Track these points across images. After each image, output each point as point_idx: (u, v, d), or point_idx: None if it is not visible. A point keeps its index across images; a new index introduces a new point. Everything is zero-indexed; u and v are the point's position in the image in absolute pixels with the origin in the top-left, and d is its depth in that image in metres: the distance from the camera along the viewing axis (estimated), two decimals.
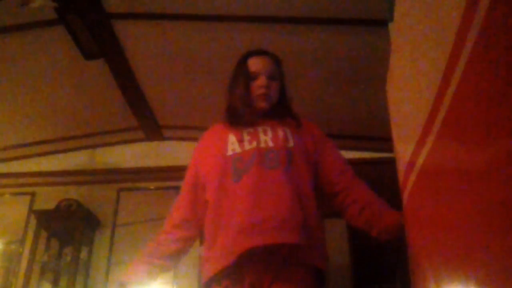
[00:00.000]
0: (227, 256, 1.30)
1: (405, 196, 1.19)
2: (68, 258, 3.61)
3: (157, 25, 2.75)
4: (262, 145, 1.42)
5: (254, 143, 1.43)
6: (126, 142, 4.08)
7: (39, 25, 2.68)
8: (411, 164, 1.06)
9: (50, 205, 3.76)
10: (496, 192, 0.58)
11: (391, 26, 1.22)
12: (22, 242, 3.75)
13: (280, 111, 1.56)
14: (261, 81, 1.51)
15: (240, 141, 1.45)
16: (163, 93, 3.48)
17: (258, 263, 1.30)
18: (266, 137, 1.44)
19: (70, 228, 3.66)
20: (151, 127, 3.92)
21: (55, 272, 3.60)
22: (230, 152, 1.43)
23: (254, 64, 1.55)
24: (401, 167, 1.22)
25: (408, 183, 1.13)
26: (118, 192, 3.88)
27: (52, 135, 3.88)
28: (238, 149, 1.43)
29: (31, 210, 3.87)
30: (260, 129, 1.47)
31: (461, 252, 0.75)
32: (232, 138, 1.46)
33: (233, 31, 2.73)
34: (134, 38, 2.87)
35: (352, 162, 3.93)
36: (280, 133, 1.46)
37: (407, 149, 1.08)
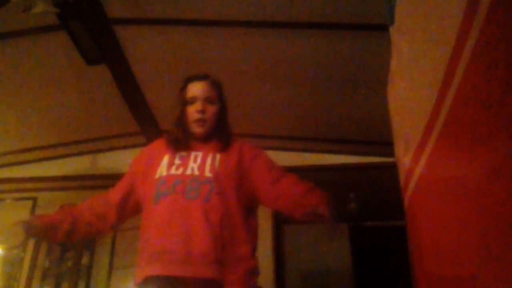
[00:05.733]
0: (139, 275, 1.38)
1: (406, 199, 1.19)
2: (70, 263, 3.61)
3: (158, 30, 2.76)
4: (188, 172, 1.46)
5: (181, 169, 1.47)
6: (127, 147, 4.08)
7: (41, 31, 2.69)
8: (412, 167, 1.06)
9: (52, 210, 3.74)
10: (495, 195, 0.57)
11: (392, 29, 1.22)
12: (23, 247, 3.75)
13: (216, 134, 1.58)
14: (197, 106, 1.55)
15: (170, 165, 1.50)
16: (165, 98, 3.48)
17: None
18: (195, 165, 1.48)
19: None
20: (152, 132, 3.92)
21: (56, 277, 3.59)
22: (157, 175, 1.50)
23: (192, 89, 1.59)
24: (402, 170, 1.22)
25: (409, 186, 1.13)
26: None
27: (54, 140, 3.88)
28: (164, 173, 1.49)
29: (33, 215, 3.87)
30: (193, 154, 1.52)
31: (462, 254, 0.75)
32: (164, 161, 1.53)
33: (235, 36, 2.74)
34: (135, 43, 2.87)
35: (352, 167, 3.91)
36: (209, 161, 1.49)
37: (408, 151, 1.08)
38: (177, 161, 1.51)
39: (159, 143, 1.66)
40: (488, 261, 0.63)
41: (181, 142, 1.55)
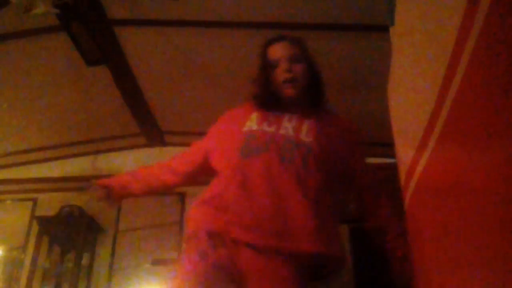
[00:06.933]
0: (231, 229, 1.25)
1: (407, 200, 1.19)
2: (70, 264, 3.61)
3: (159, 31, 2.76)
4: (282, 131, 1.36)
5: (274, 127, 1.37)
6: (128, 148, 4.08)
7: (42, 32, 2.69)
8: (412, 168, 1.06)
9: (52, 211, 3.76)
10: (496, 195, 0.57)
11: (392, 30, 1.22)
12: (24, 248, 3.75)
13: (310, 98, 1.47)
14: (283, 66, 1.43)
15: (261, 120, 1.40)
16: (165, 99, 3.49)
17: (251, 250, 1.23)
18: (289, 125, 1.38)
19: (72, 234, 3.65)
20: (153, 133, 3.92)
21: (56, 278, 3.59)
22: (246, 128, 1.40)
23: (274, 51, 1.48)
24: (402, 170, 1.21)
25: (409, 187, 1.13)
26: None
27: (54, 141, 3.88)
28: (254, 127, 1.39)
29: (33, 216, 3.87)
30: (286, 116, 1.41)
31: (462, 255, 0.75)
32: (254, 116, 1.43)
33: (235, 37, 2.74)
34: (136, 44, 2.88)
35: None
36: (306, 124, 1.39)
37: (408, 152, 1.08)
38: (269, 118, 1.40)
39: (244, 106, 1.53)
40: (489, 262, 0.63)
41: (272, 101, 1.43)
